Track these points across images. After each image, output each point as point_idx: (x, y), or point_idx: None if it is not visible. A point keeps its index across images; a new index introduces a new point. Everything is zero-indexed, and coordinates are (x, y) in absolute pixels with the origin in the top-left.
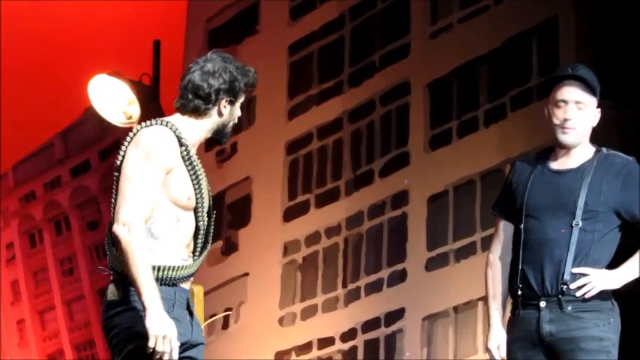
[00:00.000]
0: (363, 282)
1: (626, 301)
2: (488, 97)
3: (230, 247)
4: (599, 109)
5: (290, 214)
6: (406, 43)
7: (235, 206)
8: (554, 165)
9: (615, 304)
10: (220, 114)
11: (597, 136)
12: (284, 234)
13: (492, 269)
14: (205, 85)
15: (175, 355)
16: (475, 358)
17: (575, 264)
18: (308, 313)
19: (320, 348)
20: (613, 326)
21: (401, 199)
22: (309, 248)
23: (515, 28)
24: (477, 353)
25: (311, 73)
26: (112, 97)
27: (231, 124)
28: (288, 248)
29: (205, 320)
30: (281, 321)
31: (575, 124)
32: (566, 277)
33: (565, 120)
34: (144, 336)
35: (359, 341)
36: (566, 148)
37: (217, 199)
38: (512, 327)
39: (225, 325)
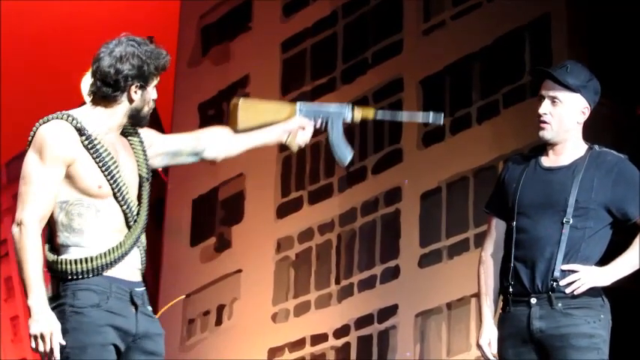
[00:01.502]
0: (356, 278)
1: (617, 298)
2: (481, 94)
3: (223, 244)
4: (587, 106)
5: (283, 211)
6: (399, 40)
7: (228, 203)
8: (546, 162)
9: (606, 300)
10: (131, 100)
11: (590, 134)
12: (277, 231)
13: (485, 266)
14: (113, 72)
15: (56, 353)
16: (468, 354)
17: (565, 261)
18: (301, 309)
19: (313, 344)
20: (603, 323)
21: (394, 195)
22: (303, 245)
23: (508, 26)
24: (470, 350)
25: (304, 70)
26: None
27: (146, 108)
28: (281, 245)
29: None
30: (274, 317)
31: (549, 119)
32: (556, 273)
33: (539, 115)
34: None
35: (352, 338)
36: (548, 144)
37: (210, 196)
38: (503, 324)
39: (219, 321)
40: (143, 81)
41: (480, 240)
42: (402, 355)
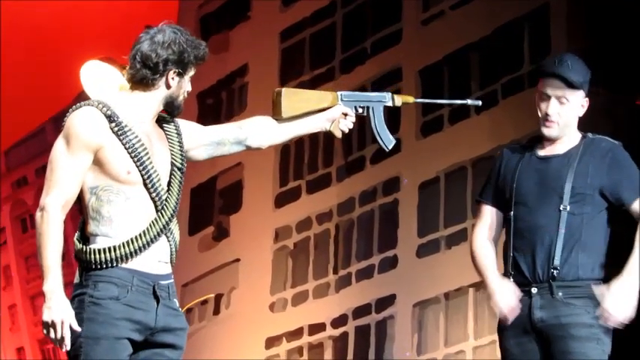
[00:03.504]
0: (354, 268)
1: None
2: (480, 84)
3: (221, 233)
4: (586, 99)
5: (281, 200)
6: (398, 30)
7: (227, 192)
8: (542, 152)
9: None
10: (168, 86)
11: (589, 124)
12: (275, 220)
13: (482, 246)
14: (154, 55)
15: (67, 341)
16: (466, 344)
17: (566, 249)
18: (299, 299)
19: (311, 334)
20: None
21: (392, 185)
22: (301, 234)
23: (507, 16)
24: (467, 340)
25: (303, 60)
26: (103, 83)
27: (181, 97)
28: (279, 234)
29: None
30: (272, 307)
31: (556, 119)
32: (557, 262)
33: (546, 114)
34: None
35: (350, 327)
36: (549, 141)
37: (209, 185)
38: None
39: (216, 310)
40: (182, 68)
41: None
42: (399, 348)
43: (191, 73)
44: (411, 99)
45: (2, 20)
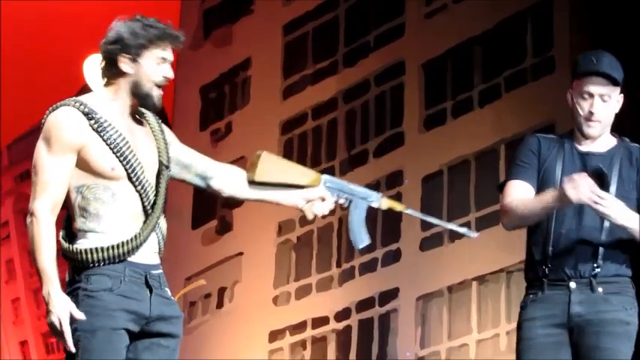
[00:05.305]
0: (357, 261)
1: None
2: (483, 78)
3: (225, 227)
4: (621, 95)
5: None
6: (401, 24)
7: None
8: (581, 147)
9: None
10: (122, 73)
11: None
12: (278, 213)
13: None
14: (103, 51)
15: (67, 338)
16: (469, 337)
17: (608, 246)
18: (302, 292)
19: (314, 327)
20: (637, 311)
21: (395, 179)
22: (304, 228)
23: (510, 9)
24: (471, 333)
25: (306, 53)
26: None
27: (146, 84)
28: (282, 228)
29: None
30: (275, 300)
31: (600, 117)
32: (600, 259)
33: (590, 113)
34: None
35: (353, 321)
36: (587, 138)
37: None
38: (534, 305)
39: (220, 304)
40: (130, 53)
41: (481, 223)
42: (403, 341)
43: (149, 56)
44: (399, 207)
45: (4, 18)
